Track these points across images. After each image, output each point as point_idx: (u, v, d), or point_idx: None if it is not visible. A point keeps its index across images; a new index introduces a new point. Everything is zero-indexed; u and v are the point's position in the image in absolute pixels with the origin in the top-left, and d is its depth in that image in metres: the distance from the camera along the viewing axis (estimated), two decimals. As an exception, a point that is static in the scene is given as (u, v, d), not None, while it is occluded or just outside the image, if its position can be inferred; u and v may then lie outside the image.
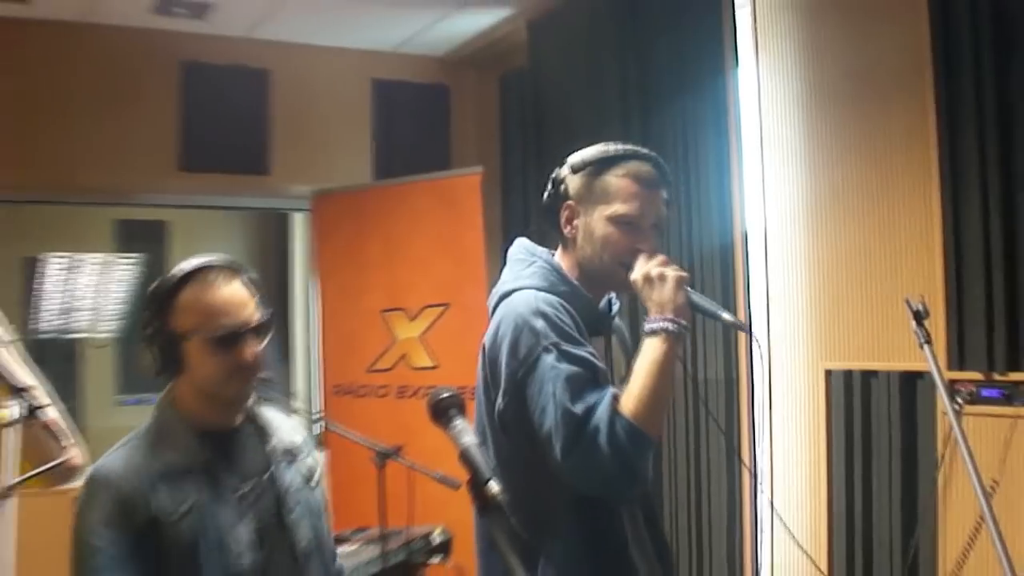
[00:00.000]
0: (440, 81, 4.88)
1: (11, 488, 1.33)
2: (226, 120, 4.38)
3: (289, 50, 4.53)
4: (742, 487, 3.25)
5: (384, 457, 2.23)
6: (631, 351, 1.73)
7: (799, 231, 3.10)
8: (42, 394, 1.58)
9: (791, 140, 3.12)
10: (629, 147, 1.76)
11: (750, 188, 3.27)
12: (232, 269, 1.65)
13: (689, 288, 1.65)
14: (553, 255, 1.81)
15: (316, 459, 1.83)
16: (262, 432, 1.73)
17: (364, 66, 4.72)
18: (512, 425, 1.68)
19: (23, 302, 5.52)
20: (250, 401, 1.71)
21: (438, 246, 3.93)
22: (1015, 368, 2.42)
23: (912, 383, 2.69)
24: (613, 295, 1.85)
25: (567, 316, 1.67)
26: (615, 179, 1.72)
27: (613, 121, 3.69)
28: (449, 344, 3.83)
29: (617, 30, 3.71)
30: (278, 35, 4.44)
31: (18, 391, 1.47)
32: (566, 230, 1.77)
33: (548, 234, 1.83)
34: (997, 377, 2.44)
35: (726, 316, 1.64)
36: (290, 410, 1.88)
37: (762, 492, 3.19)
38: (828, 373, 2.94)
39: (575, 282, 1.75)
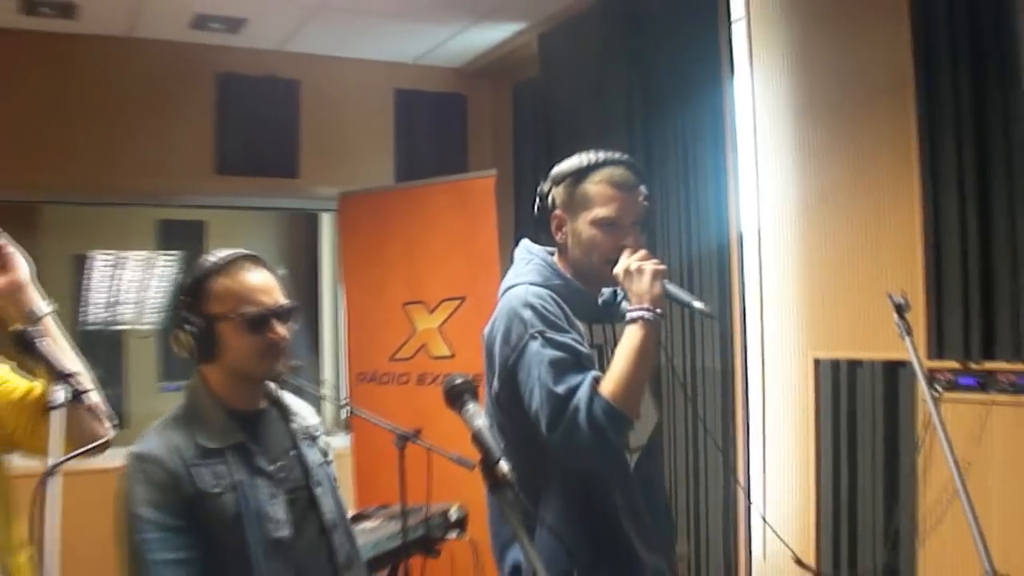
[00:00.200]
0: (457, 91, 4.92)
1: (57, 466, 1.32)
2: (259, 127, 4.45)
3: (317, 62, 4.58)
4: (735, 465, 3.29)
5: (404, 440, 2.21)
6: None
7: (790, 230, 3.15)
8: (86, 379, 1.58)
9: (783, 145, 3.17)
10: (603, 154, 1.82)
11: (745, 191, 3.32)
12: (258, 259, 1.71)
13: (666, 280, 1.73)
14: (552, 254, 1.89)
15: (327, 439, 1.88)
16: (284, 413, 1.78)
17: (387, 77, 4.77)
18: (508, 406, 1.78)
19: (73, 296, 5.56)
20: (272, 386, 1.76)
21: (455, 244, 3.94)
22: (990, 357, 2.47)
23: (894, 372, 2.74)
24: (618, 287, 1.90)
25: (555, 306, 1.75)
26: (593, 186, 1.79)
27: (617, 127, 3.71)
28: (465, 335, 3.81)
29: (621, 43, 3.74)
30: (307, 48, 4.50)
31: (64, 376, 1.47)
32: (557, 237, 1.85)
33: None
34: (973, 366, 2.50)
35: (697, 304, 1.71)
36: (319, 396, 1.88)
37: (754, 471, 3.22)
38: (817, 362, 2.99)
39: (569, 276, 1.83)
